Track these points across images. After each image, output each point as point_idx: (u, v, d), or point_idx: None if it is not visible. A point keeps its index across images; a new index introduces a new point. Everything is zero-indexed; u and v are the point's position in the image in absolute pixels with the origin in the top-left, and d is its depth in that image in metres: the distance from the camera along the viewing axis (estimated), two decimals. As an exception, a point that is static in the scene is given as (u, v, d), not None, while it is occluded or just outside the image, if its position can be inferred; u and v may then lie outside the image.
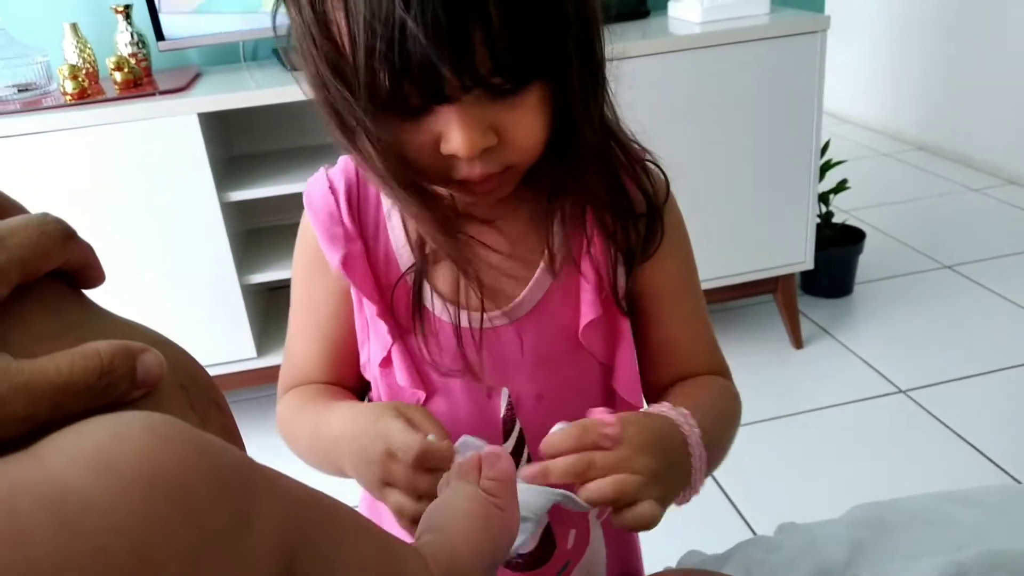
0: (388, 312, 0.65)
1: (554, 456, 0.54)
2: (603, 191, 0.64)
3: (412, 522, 0.55)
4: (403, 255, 0.66)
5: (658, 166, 0.68)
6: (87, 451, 0.22)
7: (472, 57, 0.49)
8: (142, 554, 0.21)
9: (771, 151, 1.90)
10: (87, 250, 0.31)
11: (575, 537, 0.71)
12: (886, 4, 3.64)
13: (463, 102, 0.52)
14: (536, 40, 0.51)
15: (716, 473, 1.69)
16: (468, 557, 0.41)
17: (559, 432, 0.54)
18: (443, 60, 0.48)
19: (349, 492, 0.57)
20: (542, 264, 0.66)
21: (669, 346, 0.70)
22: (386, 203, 0.67)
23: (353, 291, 0.67)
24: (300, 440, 0.69)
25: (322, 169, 0.69)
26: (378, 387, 0.70)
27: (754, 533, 1.54)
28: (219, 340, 1.78)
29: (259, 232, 2.02)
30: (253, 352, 1.80)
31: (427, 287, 0.65)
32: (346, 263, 0.65)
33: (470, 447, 0.55)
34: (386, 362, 0.66)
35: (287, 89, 1.64)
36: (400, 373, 0.66)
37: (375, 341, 0.67)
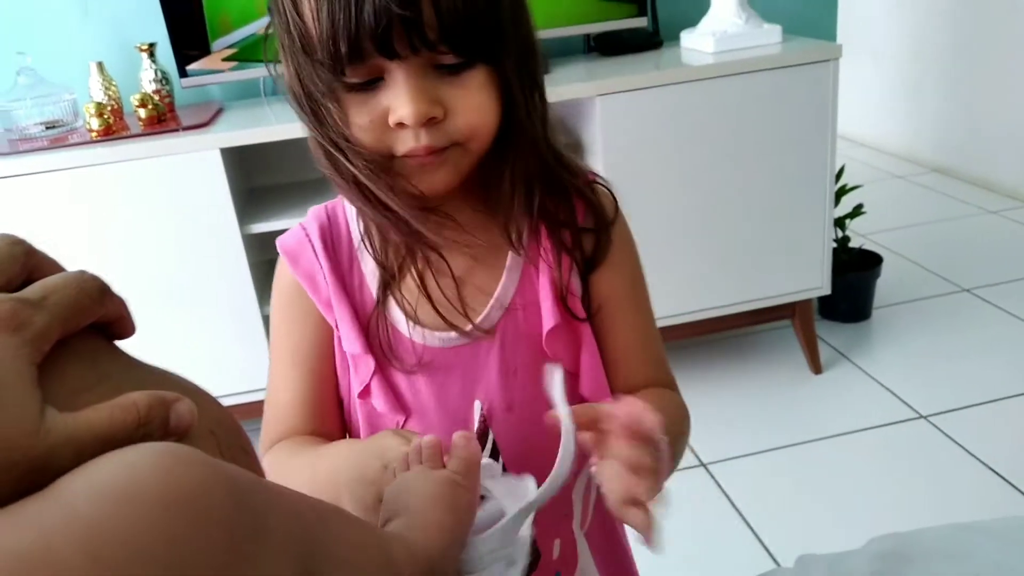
0: (368, 347, 0.68)
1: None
2: (552, 203, 0.68)
3: None
4: (374, 283, 0.69)
5: (606, 186, 0.73)
6: (104, 485, 0.23)
7: (421, 20, 0.55)
8: (168, 569, 0.22)
9: (786, 178, 1.91)
10: (121, 304, 0.32)
11: (560, 547, 0.73)
12: (901, 26, 3.65)
13: (411, 73, 0.57)
14: (478, 18, 0.57)
15: (735, 499, 1.68)
16: (438, 539, 0.43)
17: (633, 452, 0.53)
18: (395, 18, 0.54)
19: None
20: (503, 279, 0.69)
21: (616, 357, 0.72)
22: (356, 237, 0.70)
23: (336, 328, 0.69)
24: (294, 486, 0.68)
25: (294, 226, 0.73)
26: (356, 416, 0.72)
27: (774, 559, 1.53)
28: (240, 369, 1.80)
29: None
30: (274, 382, 1.82)
31: (397, 311, 0.68)
32: (328, 302, 0.68)
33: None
34: (365, 392, 0.69)
35: (307, 123, 1.67)
36: (378, 400, 0.69)
37: (355, 375, 0.70)
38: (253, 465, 0.34)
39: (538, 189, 0.66)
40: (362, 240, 0.69)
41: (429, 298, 0.67)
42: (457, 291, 0.68)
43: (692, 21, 2.02)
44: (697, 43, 1.95)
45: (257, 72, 1.85)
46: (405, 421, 0.70)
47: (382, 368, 0.69)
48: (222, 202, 1.68)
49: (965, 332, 2.24)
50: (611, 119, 1.76)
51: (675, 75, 1.78)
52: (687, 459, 1.81)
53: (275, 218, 1.77)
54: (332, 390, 0.72)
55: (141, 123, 1.73)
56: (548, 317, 0.68)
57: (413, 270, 0.68)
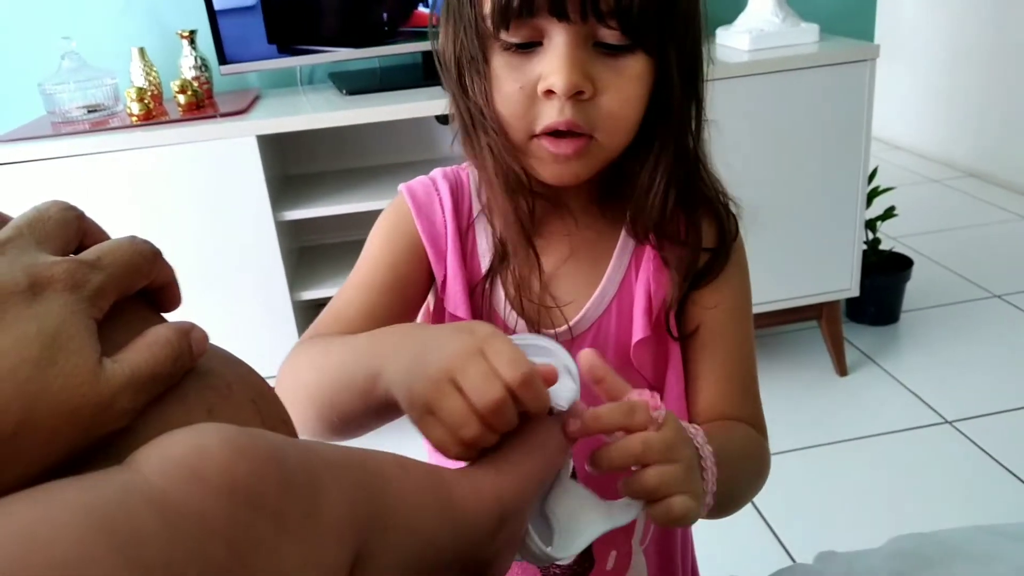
0: (470, 314, 0.67)
1: (601, 430, 0.49)
2: (673, 220, 0.65)
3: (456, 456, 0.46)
4: (484, 257, 0.68)
5: (734, 206, 0.70)
6: (177, 462, 0.26)
7: None
8: (232, 548, 0.25)
9: (818, 178, 1.90)
10: (170, 271, 0.34)
11: (616, 560, 0.72)
12: (939, 31, 3.60)
13: (572, 41, 0.56)
14: (657, 9, 0.56)
15: (757, 499, 1.68)
16: (515, 479, 0.41)
17: (608, 408, 0.49)
18: None
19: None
20: (603, 281, 0.68)
21: (699, 384, 0.70)
22: (476, 207, 0.69)
23: (439, 286, 0.69)
24: (313, 360, 0.60)
25: (420, 176, 0.72)
26: None
27: (793, 561, 1.53)
28: (269, 354, 1.82)
29: (311, 250, 2.07)
30: (302, 367, 1.84)
31: (500, 291, 0.67)
32: (442, 256, 0.68)
33: (539, 348, 0.51)
34: None
35: (341, 113, 1.69)
36: None
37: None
38: (292, 436, 0.35)
39: (674, 193, 0.64)
40: (482, 211, 0.68)
41: (528, 289, 0.66)
42: (555, 289, 0.67)
43: (729, 18, 2.01)
44: (733, 41, 1.94)
45: (295, 61, 1.88)
46: None
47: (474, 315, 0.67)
48: (257, 188, 1.70)
49: (994, 338, 2.22)
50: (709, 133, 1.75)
51: (710, 72, 1.77)
52: (709, 456, 1.81)
53: (308, 206, 1.79)
54: (398, 318, 0.68)
55: (180, 109, 1.76)
56: (638, 328, 0.66)
57: (519, 257, 0.66)
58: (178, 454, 0.26)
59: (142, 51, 1.84)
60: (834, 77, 1.82)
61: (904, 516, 1.61)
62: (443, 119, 2.03)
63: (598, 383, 0.51)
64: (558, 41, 0.57)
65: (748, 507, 1.67)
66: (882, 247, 2.27)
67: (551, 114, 0.58)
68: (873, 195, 2.17)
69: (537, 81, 0.58)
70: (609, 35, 0.57)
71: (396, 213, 0.70)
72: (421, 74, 1.92)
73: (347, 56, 1.88)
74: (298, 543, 0.27)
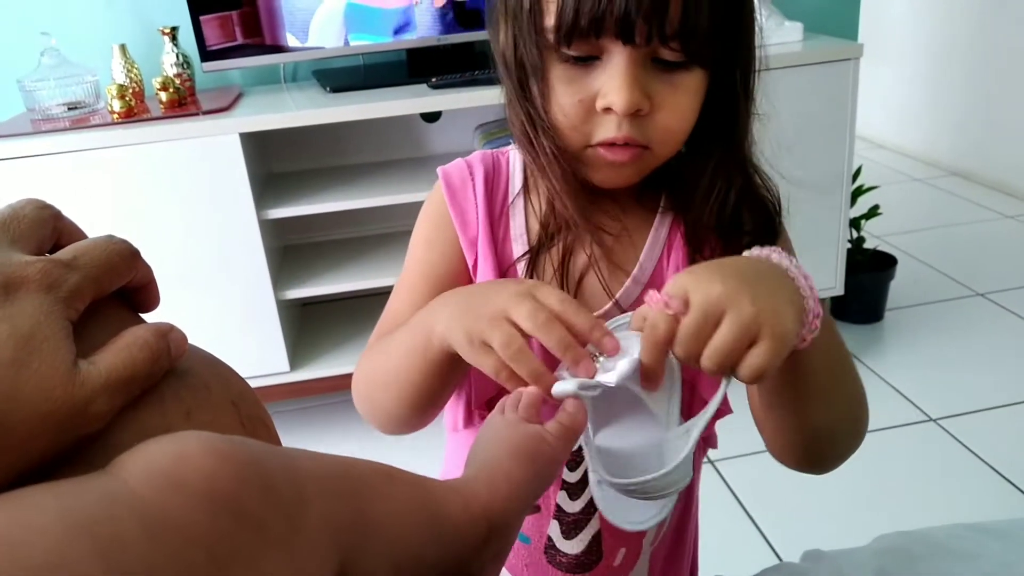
0: None
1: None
2: (726, 209, 0.66)
3: (507, 380, 0.52)
4: (518, 246, 0.69)
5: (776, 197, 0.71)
6: (159, 469, 0.25)
7: (666, 15, 0.55)
8: (213, 557, 0.24)
9: (802, 176, 1.90)
10: (148, 271, 0.33)
11: (624, 557, 0.72)
12: (922, 30, 3.63)
13: (633, 61, 0.57)
14: (717, 25, 0.57)
15: (743, 497, 1.69)
16: (504, 491, 0.41)
17: (646, 338, 0.49)
18: (645, 6, 0.55)
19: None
20: (637, 266, 0.68)
21: None
22: (512, 192, 0.71)
23: (471, 269, 0.70)
24: (377, 354, 0.66)
25: (459, 159, 0.74)
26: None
27: (780, 559, 1.53)
28: (254, 353, 1.81)
29: (295, 249, 2.06)
30: (286, 366, 1.84)
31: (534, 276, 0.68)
32: (473, 240, 0.69)
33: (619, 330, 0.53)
34: None
35: (325, 110, 1.69)
36: None
37: None
38: (273, 438, 0.35)
39: (733, 197, 0.65)
40: (518, 196, 0.70)
41: (561, 276, 0.67)
42: (583, 277, 0.68)
43: (713, 17, 2.01)
44: (717, 39, 1.94)
45: (278, 58, 1.87)
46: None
47: None
48: (240, 186, 1.69)
49: (978, 336, 2.23)
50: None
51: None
52: (695, 455, 1.81)
53: (292, 204, 1.78)
54: None
55: (162, 106, 1.74)
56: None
57: (558, 244, 0.67)
58: (160, 461, 0.25)
59: (123, 48, 1.82)
60: (818, 76, 1.82)
61: (889, 514, 1.62)
62: (428, 117, 2.03)
63: (662, 346, 0.50)
64: (618, 60, 0.57)
65: (735, 505, 1.67)
66: (866, 246, 2.28)
67: (609, 129, 0.59)
68: (857, 194, 2.18)
69: (595, 96, 0.59)
70: (668, 54, 0.58)
71: (433, 203, 0.72)
72: (406, 71, 1.91)
73: (331, 53, 1.87)
74: (280, 553, 0.26)
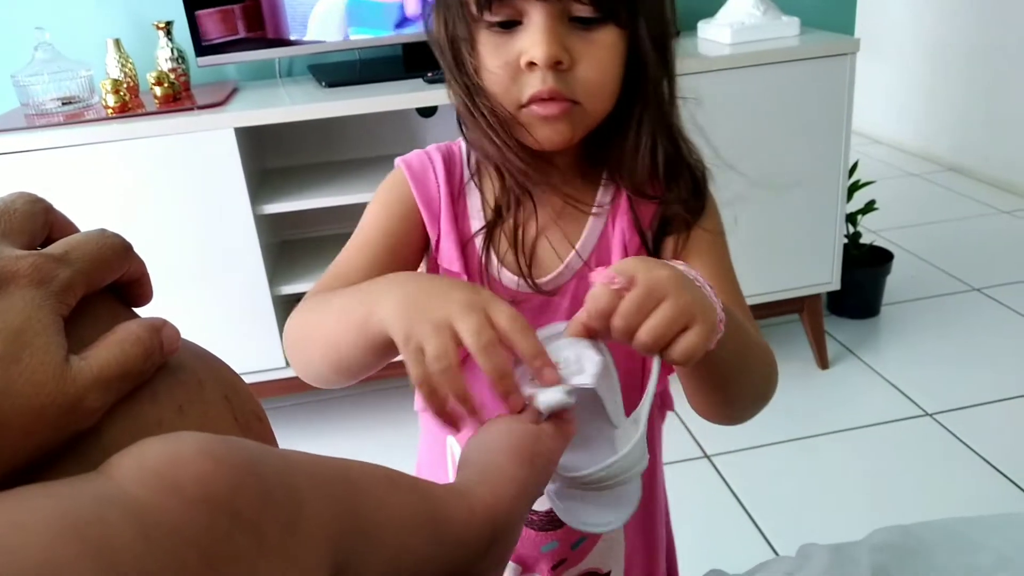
0: (465, 269, 0.73)
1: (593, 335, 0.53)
2: (658, 163, 0.70)
3: (427, 396, 0.50)
4: (476, 222, 0.74)
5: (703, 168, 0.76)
6: (153, 471, 0.25)
7: None
8: (208, 560, 0.24)
9: (799, 171, 1.91)
10: (141, 264, 0.33)
11: None
12: (919, 25, 3.63)
13: (548, 16, 0.62)
14: None
15: (739, 493, 1.69)
16: (507, 494, 0.41)
17: (576, 318, 0.52)
18: None
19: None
20: (583, 236, 0.73)
21: None
22: (467, 174, 0.75)
23: (433, 245, 0.74)
24: (316, 306, 0.66)
25: (415, 151, 0.78)
26: None
27: (776, 554, 1.53)
28: (250, 349, 1.81)
29: (291, 244, 2.06)
30: (282, 362, 1.83)
31: (493, 255, 0.72)
32: (436, 216, 0.73)
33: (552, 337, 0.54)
34: None
35: (321, 105, 1.68)
36: None
37: None
38: (267, 432, 0.34)
39: (662, 154, 0.70)
40: (471, 178, 0.75)
41: (515, 246, 0.72)
42: (543, 243, 0.72)
43: (710, 12, 2.01)
44: (714, 34, 1.94)
45: (273, 53, 1.86)
46: None
47: None
48: (235, 182, 1.68)
49: (974, 331, 2.24)
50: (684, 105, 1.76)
51: (691, 65, 1.77)
52: (690, 450, 1.82)
53: (288, 199, 1.78)
54: None
55: (157, 101, 1.73)
56: None
57: (511, 219, 0.72)
58: (154, 463, 0.25)
59: (118, 42, 1.81)
60: (815, 71, 1.82)
61: (885, 508, 1.62)
62: (424, 112, 2.03)
63: (602, 317, 0.51)
64: (536, 18, 0.63)
65: (731, 500, 1.68)
66: (863, 241, 2.28)
67: (535, 84, 0.64)
68: (854, 189, 2.18)
69: (519, 56, 0.64)
70: (582, 10, 0.63)
71: (392, 183, 0.76)
72: (401, 66, 1.91)
73: (327, 48, 1.86)
74: (276, 557, 0.26)
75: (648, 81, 0.68)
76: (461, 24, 0.66)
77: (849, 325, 2.30)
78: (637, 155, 0.70)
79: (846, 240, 2.13)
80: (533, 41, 0.63)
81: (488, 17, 0.64)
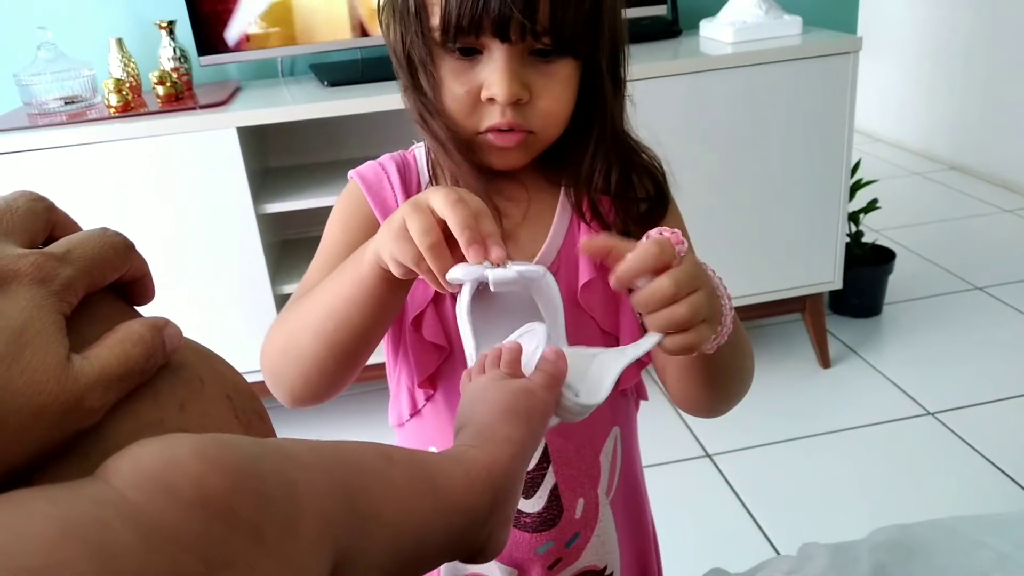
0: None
1: (635, 275, 0.53)
2: (611, 180, 0.72)
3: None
4: None
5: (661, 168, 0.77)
6: (149, 475, 0.25)
7: (535, 17, 0.62)
8: (207, 564, 0.24)
9: (801, 170, 1.91)
10: (143, 263, 0.33)
11: (583, 508, 0.75)
12: (921, 24, 3.62)
13: (511, 56, 0.63)
14: (582, 19, 0.64)
15: (740, 492, 1.69)
16: (504, 454, 0.41)
17: (635, 253, 0.53)
18: (516, 5, 0.61)
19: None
20: (548, 239, 0.73)
21: None
22: (424, 182, 0.75)
23: None
24: (294, 311, 0.69)
25: (368, 162, 0.79)
26: (402, 341, 0.75)
27: (777, 552, 1.53)
28: (251, 348, 1.80)
29: (293, 243, 2.06)
30: (284, 361, 1.83)
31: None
32: None
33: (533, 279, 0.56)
34: (417, 321, 0.72)
35: (323, 104, 1.68)
36: (428, 328, 0.72)
37: (410, 300, 0.72)
38: (269, 431, 0.34)
39: (616, 170, 0.71)
40: (430, 183, 0.75)
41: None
42: (508, 242, 0.71)
43: (712, 10, 2.01)
44: (716, 33, 1.94)
45: (276, 52, 1.86)
46: (448, 355, 0.72)
47: (436, 299, 0.71)
48: (237, 181, 1.69)
49: (976, 330, 2.24)
50: (627, 107, 1.76)
51: (693, 64, 1.77)
52: (691, 449, 1.82)
53: (290, 199, 1.78)
54: None
55: (159, 100, 1.74)
56: (584, 271, 0.71)
57: None
58: (150, 466, 0.25)
59: (120, 42, 1.81)
60: (817, 69, 1.82)
61: (886, 507, 1.62)
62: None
63: (610, 255, 0.54)
64: (498, 55, 0.64)
65: (732, 499, 1.68)
66: (865, 240, 2.28)
67: (494, 116, 0.66)
68: (856, 188, 2.17)
69: (480, 87, 0.65)
70: (542, 43, 0.64)
71: (348, 196, 0.76)
72: (404, 66, 1.91)
73: (329, 47, 1.86)
74: (275, 557, 0.26)
75: (604, 103, 0.70)
76: (419, 43, 0.66)
77: (851, 324, 2.29)
78: (593, 173, 0.71)
79: (848, 239, 2.13)
80: (494, 80, 0.64)
81: (451, 46, 0.65)
